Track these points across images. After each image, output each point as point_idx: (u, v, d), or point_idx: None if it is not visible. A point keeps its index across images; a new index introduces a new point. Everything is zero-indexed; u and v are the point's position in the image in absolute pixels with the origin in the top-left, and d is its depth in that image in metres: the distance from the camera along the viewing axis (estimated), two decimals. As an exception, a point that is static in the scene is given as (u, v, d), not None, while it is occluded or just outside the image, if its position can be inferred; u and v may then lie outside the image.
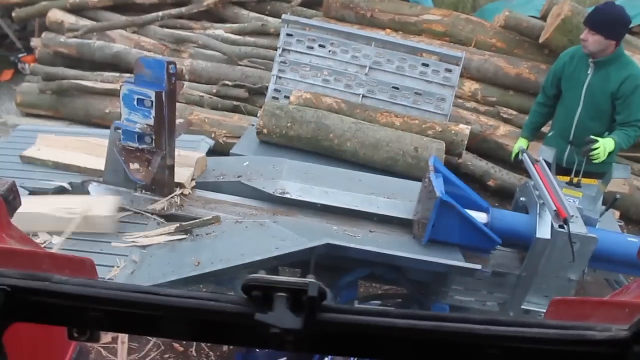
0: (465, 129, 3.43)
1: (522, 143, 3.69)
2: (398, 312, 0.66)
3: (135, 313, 0.69)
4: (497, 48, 5.66)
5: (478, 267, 2.44)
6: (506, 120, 5.37)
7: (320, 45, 3.82)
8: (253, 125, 3.65)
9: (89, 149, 3.24)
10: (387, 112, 3.47)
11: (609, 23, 3.25)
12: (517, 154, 3.52)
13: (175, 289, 0.71)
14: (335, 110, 3.46)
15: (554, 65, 3.70)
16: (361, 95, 3.73)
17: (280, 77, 3.81)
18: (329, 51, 3.80)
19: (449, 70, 3.76)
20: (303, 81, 3.79)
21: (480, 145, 5.28)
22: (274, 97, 3.80)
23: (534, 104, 3.86)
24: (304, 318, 0.63)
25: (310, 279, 0.67)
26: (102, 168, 2.98)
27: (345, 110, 3.47)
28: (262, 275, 0.67)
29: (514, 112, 5.37)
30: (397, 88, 3.74)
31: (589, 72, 3.37)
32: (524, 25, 5.51)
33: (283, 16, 3.95)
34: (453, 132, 3.46)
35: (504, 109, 5.39)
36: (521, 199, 2.88)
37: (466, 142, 3.46)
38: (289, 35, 3.85)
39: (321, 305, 0.65)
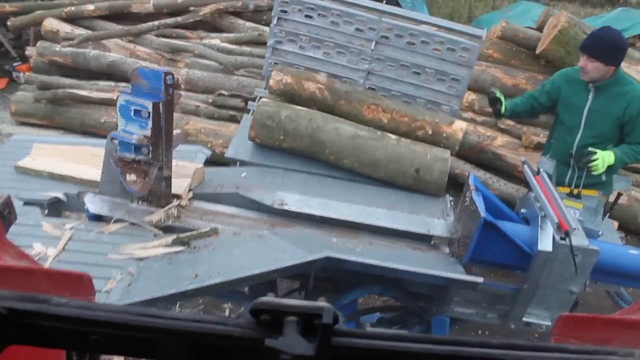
0: (458, 132, 3.15)
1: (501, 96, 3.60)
2: (413, 337, 0.63)
3: (138, 337, 0.66)
4: (494, 59, 5.67)
5: (480, 280, 2.41)
6: (503, 131, 5.38)
7: (320, 15, 3.42)
8: (248, 112, 3.45)
9: (84, 159, 3.20)
10: (375, 105, 3.15)
11: (608, 49, 3.17)
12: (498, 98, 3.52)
13: (179, 313, 0.69)
14: (319, 99, 3.22)
15: (549, 85, 3.57)
16: (366, 72, 3.41)
17: (277, 49, 3.48)
18: (331, 22, 3.42)
19: (467, 49, 3.36)
20: (302, 53, 3.47)
21: (478, 156, 5.28)
22: (271, 71, 3.48)
23: (530, 96, 3.74)
24: (316, 344, 0.60)
25: (322, 302, 0.64)
26: (98, 179, 2.94)
27: (328, 100, 3.15)
28: (271, 298, 0.64)
29: (511, 123, 5.38)
30: (407, 65, 3.39)
31: (589, 97, 3.31)
32: (521, 36, 5.53)
33: None
34: (444, 135, 3.15)
35: (501, 119, 5.39)
36: (522, 210, 2.86)
37: (457, 146, 3.18)
38: (284, 2, 3.44)
39: (334, 329, 0.62)
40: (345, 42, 3.44)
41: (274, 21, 3.49)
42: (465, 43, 3.38)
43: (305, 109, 3.17)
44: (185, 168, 3.03)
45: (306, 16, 3.45)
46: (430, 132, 3.13)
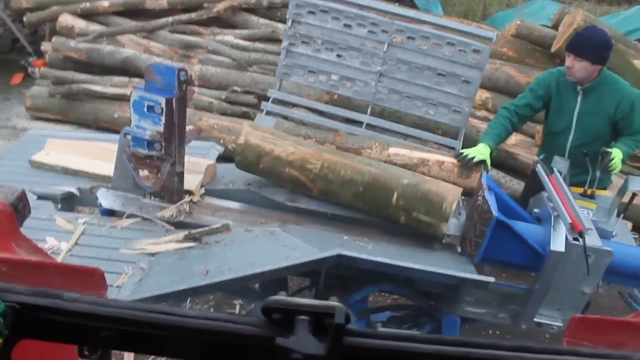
0: (453, 199, 2.76)
1: (485, 151, 3.20)
2: (425, 338, 0.63)
3: (149, 333, 0.66)
4: (508, 57, 5.63)
5: (491, 279, 2.41)
6: (517, 130, 5.33)
7: (334, 18, 3.46)
8: (262, 112, 3.46)
9: (97, 154, 3.22)
10: (363, 149, 3.08)
11: (595, 48, 3.14)
12: (470, 159, 3.11)
13: (191, 310, 0.69)
14: (302, 182, 2.87)
15: (542, 88, 3.39)
16: (378, 74, 3.44)
17: (290, 52, 3.52)
18: (344, 24, 3.45)
19: (477, 51, 3.38)
20: (315, 56, 3.51)
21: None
22: (284, 73, 3.56)
23: (502, 116, 3.39)
24: (328, 344, 0.60)
25: (334, 301, 0.64)
26: (111, 174, 2.96)
27: (317, 147, 2.99)
28: (283, 297, 0.64)
29: (525, 121, 5.34)
30: (419, 67, 3.42)
31: (578, 99, 3.27)
32: (536, 35, 5.49)
33: None
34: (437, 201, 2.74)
35: (515, 118, 5.35)
36: (535, 210, 2.85)
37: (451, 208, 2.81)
38: (298, 5, 3.49)
39: (345, 329, 0.62)
40: (358, 45, 3.46)
41: (288, 23, 3.52)
42: (476, 45, 3.40)
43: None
44: (197, 164, 3.04)
45: (320, 19, 3.47)
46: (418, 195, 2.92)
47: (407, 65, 3.43)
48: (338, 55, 3.49)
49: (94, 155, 3.23)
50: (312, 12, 3.49)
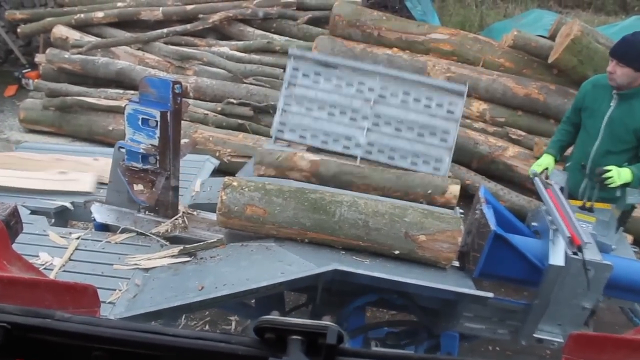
0: (452, 200, 3.23)
1: (548, 160, 3.43)
2: (419, 357, 0.64)
3: (141, 353, 0.67)
4: (505, 68, 5.66)
5: (490, 295, 2.40)
6: (515, 142, 5.35)
7: (325, 79, 3.87)
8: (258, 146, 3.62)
9: (18, 166, 3.26)
10: (365, 185, 3.31)
11: (639, 55, 3.11)
12: (537, 173, 3.30)
13: (183, 329, 0.69)
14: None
15: (577, 94, 3.55)
16: (366, 129, 3.75)
17: (285, 111, 3.84)
18: (335, 85, 3.85)
19: (453, 104, 3.76)
20: (308, 115, 3.81)
21: (489, 167, 5.26)
22: (279, 131, 3.84)
23: (561, 122, 3.69)
24: (321, 364, 0.60)
25: (327, 321, 0.64)
26: (33, 186, 3.01)
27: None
28: (275, 317, 0.65)
29: (523, 133, 5.35)
30: (402, 121, 3.76)
31: (611, 103, 3.24)
32: (533, 45, 5.51)
33: (290, 50, 3.98)
34: (439, 205, 3.21)
35: (513, 129, 5.38)
36: (533, 223, 2.85)
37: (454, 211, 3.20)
38: (295, 69, 3.89)
39: (338, 348, 0.62)
40: (348, 103, 3.83)
41: (285, 85, 3.88)
42: (451, 99, 3.78)
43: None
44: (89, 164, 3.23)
45: (313, 80, 3.87)
46: (424, 203, 3.21)
47: (392, 119, 3.79)
48: (329, 114, 3.81)
49: (15, 166, 3.27)
50: (307, 75, 3.88)
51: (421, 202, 3.19)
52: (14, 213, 1.34)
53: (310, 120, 3.82)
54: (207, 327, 3.66)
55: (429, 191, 3.27)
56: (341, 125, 3.81)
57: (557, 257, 2.44)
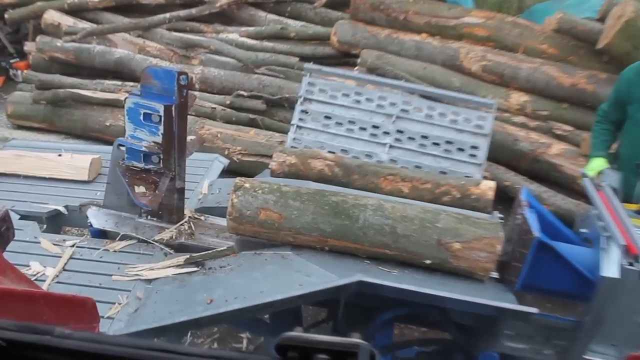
0: (488, 192, 3.22)
1: (600, 163, 3.41)
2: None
3: (149, 374, 0.66)
4: (548, 55, 5.60)
5: (534, 310, 2.37)
6: (560, 137, 5.30)
7: (344, 94, 3.96)
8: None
9: None
10: (392, 175, 3.32)
11: None
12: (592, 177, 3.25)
13: (197, 347, 0.68)
14: (328, 176, 3.33)
15: (615, 85, 3.53)
16: (388, 145, 3.80)
17: (300, 127, 3.91)
18: (354, 100, 3.94)
19: (482, 118, 3.82)
20: (325, 131, 3.88)
21: (531, 166, 5.22)
22: (292, 147, 3.85)
23: (597, 122, 3.68)
24: (351, 386, 0.59)
25: (356, 338, 0.64)
26: None
27: (340, 177, 3.30)
28: (299, 333, 0.64)
29: (570, 128, 5.30)
30: (426, 137, 3.81)
31: None
32: (580, 29, 5.45)
33: (305, 66, 4.07)
34: (474, 196, 3.22)
35: (558, 124, 5.32)
36: (582, 230, 2.82)
37: (492, 202, 3.24)
38: (310, 84, 3.99)
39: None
40: (368, 118, 3.92)
41: (300, 100, 3.96)
42: (480, 113, 3.83)
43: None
44: (80, 159, 3.39)
45: (330, 97, 3.96)
46: (457, 195, 3.23)
47: (415, 135, 3.86)
48: (347, 130, 3.89)
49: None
50: (324, 91, 3.97)
51: (454, 195, 3.18)
52: (5, 218, 1.35)
53: (326, 137, 3.88)
54: (215, 345, 3.67)
55: (462, 182, 3.26)
56: (361, 142, 3.87)
57: (611, 268, 2.40)
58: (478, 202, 3.21)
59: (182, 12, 6.47)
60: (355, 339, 0.63)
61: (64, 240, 2.84)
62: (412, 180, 3.29)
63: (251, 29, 6.38)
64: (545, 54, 5.61)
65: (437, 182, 3.28)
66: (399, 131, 3.84)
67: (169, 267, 2.63)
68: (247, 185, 2.66)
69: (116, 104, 5.71)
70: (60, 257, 2.70)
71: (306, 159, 3.38)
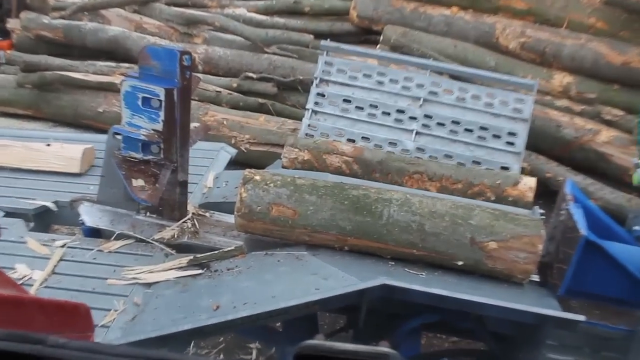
0: (527, 194, 3.21)
1: None
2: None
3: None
4: (596, 30, 5.56)
5: (581, 318, 2.36)
6: (609, 123, 5.26)
7: (365, 75, 3.93)
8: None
9: None
10: (418, 173, 3.30)
11: None
12: None
13: (203, 356, 0.69)
14: (345, 173, 3.33)
15: None
16: (414, 132, 3.79)
17: (316, 112, 3.91)
18: (376, 81, 3.91)
19: (521, 101, 3.79)
20: (344, 116, 3.88)
21: (575, 155, 5.19)
22: (307, 135, 3.87)
23: None
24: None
25: (385, 347, 0.63)
26: None
27: (359, 175, 3.31)
28: (321, 341, 0.64)
29: (620, 113, 5.26)
30: (458, 122, 3.79)
31: None
32: (634, 0, 5.40)
33: (322, 43, 4.07)
34: (510, 198, 3.20)
35: (607, 108, 5.28)
36: (635, 228, 2.80)
37: (532, 203, 3.23)
38: (327, 64, 3.98)
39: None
40: (392, 102, 3.89)
41: (316, 82, 3.95)
42: (518, 95, 3.81)
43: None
44: (72, 149, 3.40)
45: (350, 77, 3.94)
46: (492, 197, 3.21)
47: (445, 120, 3.83)
48: (369, 115, 3.87)
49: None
50: (342, 71, 3.95)
51: (488, 197, 3.16)
52: (-9, 216, 1.37)
53: (345, 123, 3.88)
54: (221, 356, 3.68)
55: (498, 181, 3.23)
56: (384, 128, 3.86)
57: (669, 270, 2.39)
58: (516, 204, 3.20)
59: (183, -15, 6.49)
60: (384, 348, 0.63)
61: (53, 240, 2.85)
62: (441, 179, 3.29)
63: (260, 2, 6.39)
64: (592, 29, 5.57)
65: (470, 181, 3.28)
66: (427, 116, 3.81)
67: (170, 269, 2.64)
68: (257, 177, 2.67)
69: (110, 88, 5.73)
70: (49, 258, 2.70)
71: (321, 154, 3.39)
